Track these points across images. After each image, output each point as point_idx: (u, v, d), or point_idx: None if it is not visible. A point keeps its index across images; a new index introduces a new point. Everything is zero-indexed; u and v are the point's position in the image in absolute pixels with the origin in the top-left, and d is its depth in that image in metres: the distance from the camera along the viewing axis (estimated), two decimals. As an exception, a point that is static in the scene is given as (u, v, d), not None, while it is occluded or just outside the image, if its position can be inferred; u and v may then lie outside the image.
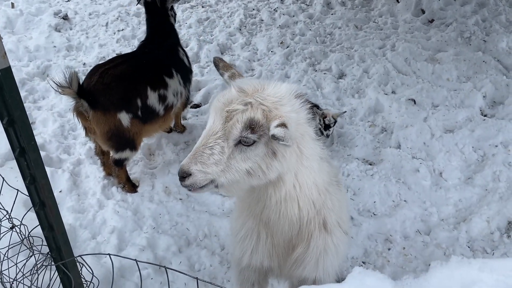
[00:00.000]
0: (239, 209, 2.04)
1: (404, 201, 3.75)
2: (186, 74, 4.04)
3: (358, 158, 4.20)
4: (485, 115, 4.64)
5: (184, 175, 1.66)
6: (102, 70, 3.45)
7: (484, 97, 4.81)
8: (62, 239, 1.67)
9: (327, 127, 4.18)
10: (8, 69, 1.15)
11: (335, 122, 4.21)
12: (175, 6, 4.33)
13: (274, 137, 1.52)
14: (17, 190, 1.87)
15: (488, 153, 4.11)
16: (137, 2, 4.36)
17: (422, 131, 4.41)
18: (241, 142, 1.63)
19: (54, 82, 3.11)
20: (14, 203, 2.16)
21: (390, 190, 3.84)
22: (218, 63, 1.99)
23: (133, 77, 3.54)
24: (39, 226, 1.67)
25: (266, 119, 1.60)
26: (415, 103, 4.81)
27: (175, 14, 4.31)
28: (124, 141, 3.55)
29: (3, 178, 1.77)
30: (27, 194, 1.67)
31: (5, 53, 1.15)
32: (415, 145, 4.31)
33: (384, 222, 3.52)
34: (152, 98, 3.61)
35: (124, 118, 3.43)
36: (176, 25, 6.61)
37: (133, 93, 3.50)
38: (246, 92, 1.66)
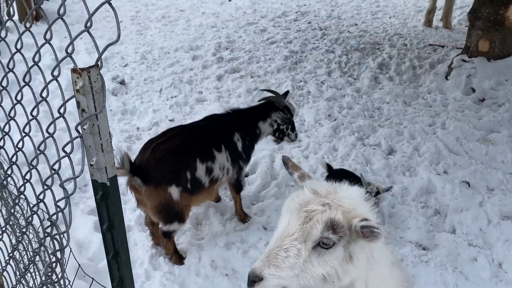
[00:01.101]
0: None
1: (463, 293, 3.54)
2: (235, 155, 4.03)
3: (411, 241, 4.04)
4: (545, 202, 4.42)
5: (255, 280, 1.57)
6: (154, 145, 3.58)
7: (543, 182, 4.62)
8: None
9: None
10: (115, 178, 1.20)
11: (377, 193, 4.13)
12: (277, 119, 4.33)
13: (365, 227, 1.50)
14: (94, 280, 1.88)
15: (552, 244, 3.87)
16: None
17: (478, 216, 4.23)
18: (319, 245, 1.58)
19: None
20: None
21: (447, 279, 3.64)
22: (288, 162, 2.03)
23: (184, 150, 3.62)
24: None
25: (346, 220, 1.58)
26: (469, 185, 4.66)
27: (274, 127, 4.34)
28: (173, 214, 3.59)
29: (92, 278, 1.78)
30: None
31: (114, 163, 1.21)
32: (471, 231, 4.12)
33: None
34: (200, 170, 3.66)
35: (174, 191, 3.49)
36: (226, 94, 6.90)
37: (183, 166, 3.57)
38: (319, 194, 1.66)
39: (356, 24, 10.53)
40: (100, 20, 10.86)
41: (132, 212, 4.32)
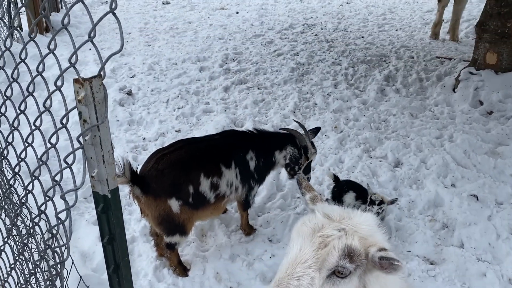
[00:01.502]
0: None
1: (471, 309, 3.47)
2: (247, 174, 3.89)
3: (419, 255, 3.98)
4: (555, 217, 4.35)
5: None
6: (159, 156, 3.55)
7: (553, 197, 4.55)
8: None
9: (371, 202, 4.13)
10: (116, 190, 1.19)
11: (381, 202, 4.09)
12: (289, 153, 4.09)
13: (384, 258, 1.42)
14: None
15: (563, 260, 3.79)
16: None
17: (486, 231, 4.17)
18: (335, 273, 1.48)
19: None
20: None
21: (455, 295, 3.58)
22: (301, 182, 1.97)
23: (188, 163, 3.55)
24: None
25: (364, 248, 1.49)
26: (477, 199, 4.60)
27: (286, 162, 4.13)
28: (174, 226, 3.55)
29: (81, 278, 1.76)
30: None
31: (116, 175, 1.19)
32: (480, 245, 4.05)
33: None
34: (204, 185, 3.58)
35: (174, 204, 3.46)
36: (233, 105, 6.90)
37: (185, 180, 3.50)
38: (332, 219, 1.58)
39: (362, 37, 10.54)
40: (109, 32, 10.98)
41: (137, 223, 4.30)
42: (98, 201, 1.21)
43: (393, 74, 8.02)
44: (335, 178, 4.48)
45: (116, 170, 3.12)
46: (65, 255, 1.17)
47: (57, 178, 1.19)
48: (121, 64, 8.61)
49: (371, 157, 5.53)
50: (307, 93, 7.40)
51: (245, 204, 4.07)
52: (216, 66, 8.56)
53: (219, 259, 3.94)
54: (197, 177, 3.54)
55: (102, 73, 1.05)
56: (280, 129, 4.34)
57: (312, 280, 1.46)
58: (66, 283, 1.78)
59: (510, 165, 5.09)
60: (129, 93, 7.17)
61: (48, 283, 1.31)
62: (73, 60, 1.10)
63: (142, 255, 3.96)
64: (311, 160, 4.25)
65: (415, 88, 7.39)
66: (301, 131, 4.15)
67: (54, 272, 1.26)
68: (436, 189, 4.73)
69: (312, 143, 4.17)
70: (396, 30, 11.07)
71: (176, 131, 6.11)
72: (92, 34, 1.05)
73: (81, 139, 1.14)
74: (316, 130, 4.41)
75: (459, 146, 5.48)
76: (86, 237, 4.07)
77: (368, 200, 4.15)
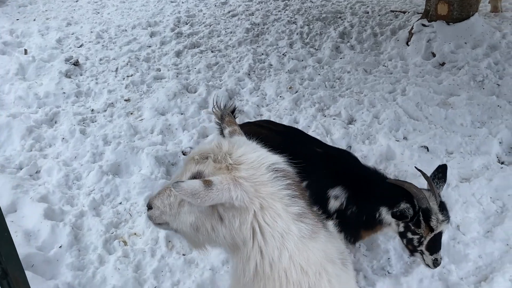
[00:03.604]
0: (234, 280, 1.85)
1: (420, 257, 3.54)
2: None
3: (370, 209, 4.02)
4: (502, 163, 4.45)
5: (148, 206, 1.77)
6: (258, 123, 3.76)
7: (500, 143, 4.65)
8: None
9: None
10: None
11: None
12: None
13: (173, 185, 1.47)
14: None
15: (508, 204, 3.90)
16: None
17: (436, 180, 4.23)
18: None
19: (216, 100, 3.25)
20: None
21: (405, 244, 3.64)
22: (225, 117, 1.97)
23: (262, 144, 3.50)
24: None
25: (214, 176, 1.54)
26: (428, 150, 4.66)
27: (399, 228, 3.02)
28: None
29: None
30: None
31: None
32: (430, 195, 4.12)
33: (399, 282, 3.29)
34: None
35: None
36: (185, 70, 6.69)
37: None
38: (221, 149, 1.64)
39: (319, -6, 10.34)
40: (55, 1, 10.39)
41: (85, 197, 4.16)
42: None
43: (348, 30, 7.92)
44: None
45: (222, 104, 3.00)
46: None
47: None
48: (67, 34, 8.18)
49: (325, 116, 5.49)
50: (262, 54, 7.24)
51: None
52: (167, 30, 8.24)
53: (171, 227, 3.87)
54: None
55: None
56: (387, 180, 3.13)
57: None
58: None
59: (461, 115, 5.15)
60: (76, 63, 6.83)
61: None
62: None
63: (92, 229, 3.84)
64: (440, 233, 2.94)
65: (369, 44, 7.34)
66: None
67: None
68: (388, 143, 4.75)
69: (442, 205, 2.92)
70: (353, -14, 10.90)
71: (125, 100, 5.88)
72: None
73: None
74: (443, 171, 3.23)
75: (411, 99, 5.50)
76: (31, 215, 3.90)
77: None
